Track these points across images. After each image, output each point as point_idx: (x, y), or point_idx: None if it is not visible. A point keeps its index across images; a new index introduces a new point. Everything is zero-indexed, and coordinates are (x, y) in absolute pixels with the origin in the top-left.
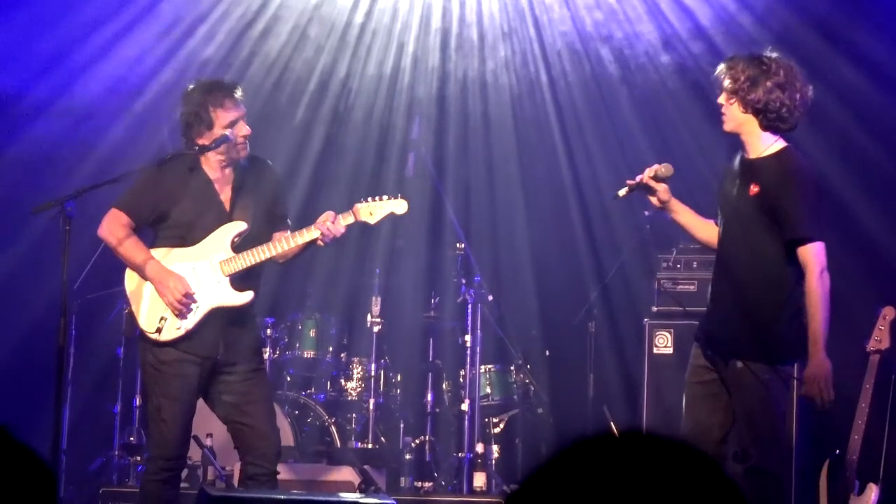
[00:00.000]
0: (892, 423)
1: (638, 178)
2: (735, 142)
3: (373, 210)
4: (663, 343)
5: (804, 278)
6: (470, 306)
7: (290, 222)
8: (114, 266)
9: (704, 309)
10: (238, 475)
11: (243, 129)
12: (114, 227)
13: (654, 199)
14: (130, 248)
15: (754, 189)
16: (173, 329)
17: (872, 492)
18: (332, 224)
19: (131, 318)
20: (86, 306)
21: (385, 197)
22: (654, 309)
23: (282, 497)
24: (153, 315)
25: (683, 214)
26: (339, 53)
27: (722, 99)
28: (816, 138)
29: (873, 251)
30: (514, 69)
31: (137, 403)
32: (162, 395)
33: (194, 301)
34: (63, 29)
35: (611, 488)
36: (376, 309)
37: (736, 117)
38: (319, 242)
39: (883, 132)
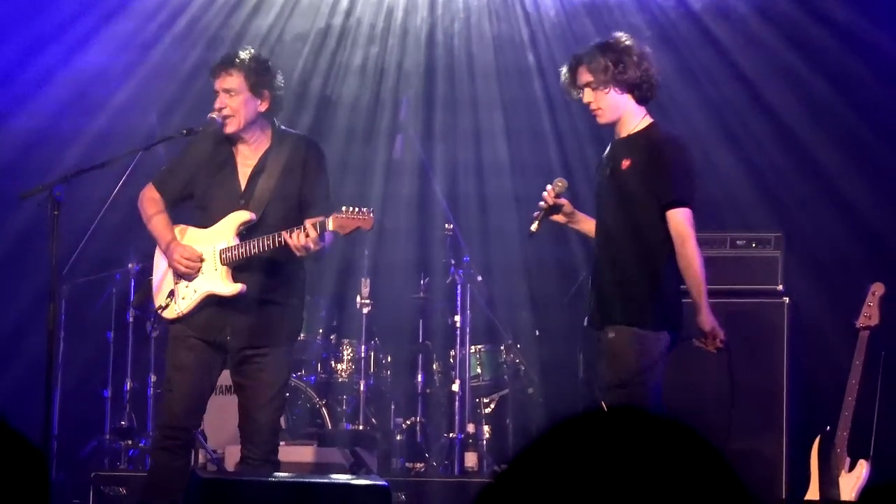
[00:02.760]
0: (881, 399)
1: (542, 205)
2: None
3: (342, 224)
4: None
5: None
6: (459, 287)
7: (323, 208)
8: (103, 251)
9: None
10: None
11: (217, 102)
12: (145, 203)
13: (560, 217)
14: (157, 226)
15: (626, 163)
16: (173, 310)
17: (863, 468)
18: (300, 238)
19: (148, 289)
20: (75, 291)
21: (355, 210)
22: None
23: (272, 479)
24: (163, 292)
25: (585, 223)
26: (325, 37)
27: (588, 96)
28: (801, 108)
29: (863, 227)
30: (501, 47)
31: (128, 387)
32: (171, 366)
33: (197, 273)
34: (52, 10)
35: (601, 466)
36: (365, 290)
37: (614, 103)
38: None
39: (870, 107)
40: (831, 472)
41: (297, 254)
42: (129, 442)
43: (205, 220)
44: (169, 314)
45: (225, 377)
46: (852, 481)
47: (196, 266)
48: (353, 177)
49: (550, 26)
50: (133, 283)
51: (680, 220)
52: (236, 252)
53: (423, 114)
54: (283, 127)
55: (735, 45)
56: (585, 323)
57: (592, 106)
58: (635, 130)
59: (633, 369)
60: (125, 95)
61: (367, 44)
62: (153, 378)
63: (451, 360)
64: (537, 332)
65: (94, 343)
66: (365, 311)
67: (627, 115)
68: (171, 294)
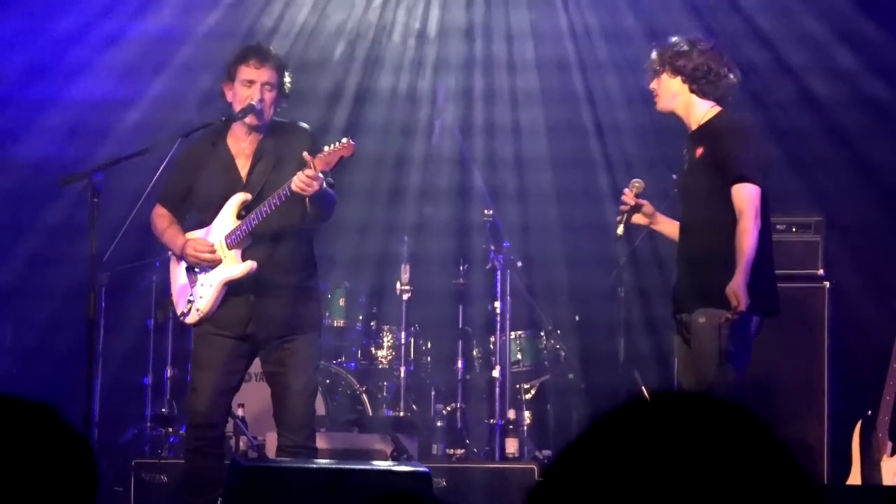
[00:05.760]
0: None
1: (624, 207)
2: None
3: (327, 160)
4: None
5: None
6: (499, 273)
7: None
8: (143, 238)
9: None
10: (272, 445)
11: (256, 93)
12: (156, 221)
13: (641, 219)
14: (168, 236)
15: (699, 152)
16: (195, 314)
17: None
18: (301, 179)
19: (168, 304)
20: (115, 279)
21: (334, 144)
22: None
23: (313, 466)
24: (182, 298)
25: (667, 224)
26: (363, 22)
27: (652, 84)
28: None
29: None
30: (540, 32)
31: (168, 375)
32: (195, 366)
33: (213, 265)
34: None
35: (654, 453)
36: (405, 276)
37: (667, 87)
38: (307, 201)
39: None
40: (873, 456)
41: (306, 194)
42: (170, 429)
43: (209, 219)
44: (191, 319)
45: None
46: (894, 466)
47: (208, 250)
48: (391, 166)
49: (590, 19)
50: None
51: (742, 195)
52: (239, 231)
53: (461, 106)
54: (274, 117)
55: (781, 39)
56: (673, 311)
57: (652, 89)
58: (704, 121)
59: (723, 353)
60: (166, 81)
61: (404, 39)
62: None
63: (492, 346)
64: (577, 318)
65: (134, 331)
66: (405, 297)
67: (691, 107)
68: (190, 298)
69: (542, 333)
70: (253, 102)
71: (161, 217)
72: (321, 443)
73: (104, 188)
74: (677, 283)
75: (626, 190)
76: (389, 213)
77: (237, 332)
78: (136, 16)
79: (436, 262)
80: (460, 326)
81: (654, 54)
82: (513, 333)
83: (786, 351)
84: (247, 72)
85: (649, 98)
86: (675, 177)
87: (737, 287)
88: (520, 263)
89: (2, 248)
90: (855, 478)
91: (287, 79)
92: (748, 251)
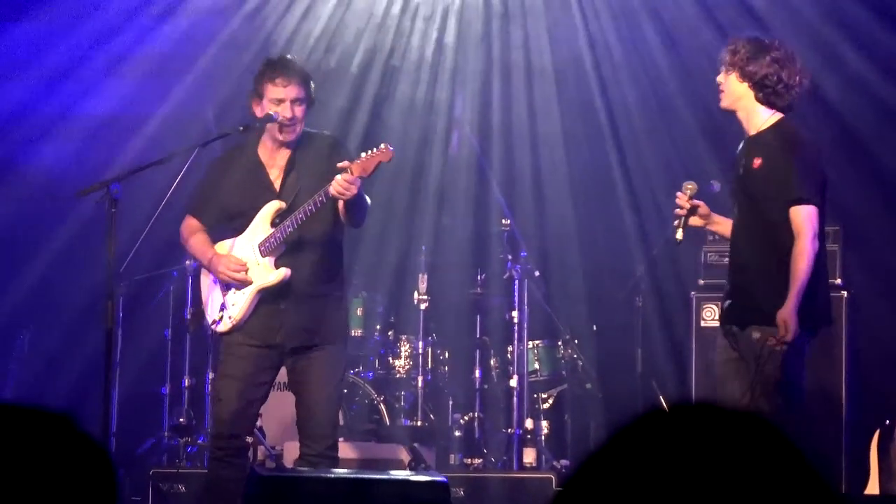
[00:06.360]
0: None
1: (681, 211)
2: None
3: (365, 165)
4: (710, 316)
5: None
6: (516, 282)
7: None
8: (160, 248)
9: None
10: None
11: (286, 111)
12: (184, 232)
13: (697, 220)
14: (195, 245)
15: (757, 162)
16: (226, 322)
17: None
18: (339, 183)
19: (200, 312)
20: (133, 288)
21: (373, 150)
22: (701, 282)
23: (331, 476)
24: (214, 307)
25: (722, 223)
26: (381, 33)
27: (720, 77)
28: (857, 102)
29: None
30: (557, 42)
31: (186, 385)
32: (221, 375)
33: (247, 278)
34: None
35: (676, 466)
36: (423, 286)
37: (733, 90)
38: (340, 207)
39: None
40: (891, 466)
41: (343, 198)
42: (188, 439)
43: (241, 228)
44: (223, 327)
45: (283, 374)
46: None
47: (243, 270)
48: (409, 176)
49: (608, 26)
50: (190, 281)
51: (800, 217)
52: (273, 239)
53: (479, 112)
54: (306, 128)
55: (797, 42)
56: (720, 321)
57: (719, 82)
58: (763, 127)
59: (786, 370)
60: (183, 90)
61: (422, 45)
62: (211, 375)
63: (509, 355)
64: (594, 328)
65: (152, 340)
66: (422, 307)
67: (752, 112)
68: (223, 307)
69: (560, 343)
70: (270, 113)
71: (189, 228)
72: (338, 452)
73: (121, 198)
74: (729, 294)
75: (680, 193)
76: (407, 223)
77: (266, 340)
78: (150, 28)
79: (453, 271)
80: (478, 336)
81: (727, 51)
82: (530, 343)
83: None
84: (275, 91)
85: (666, 106)
86: (711, 185)
87: (788, 315)
88: (537, 273)
89: (20, 258)
90: (873, 488)
91: (313, 87)
92: (802, 275)
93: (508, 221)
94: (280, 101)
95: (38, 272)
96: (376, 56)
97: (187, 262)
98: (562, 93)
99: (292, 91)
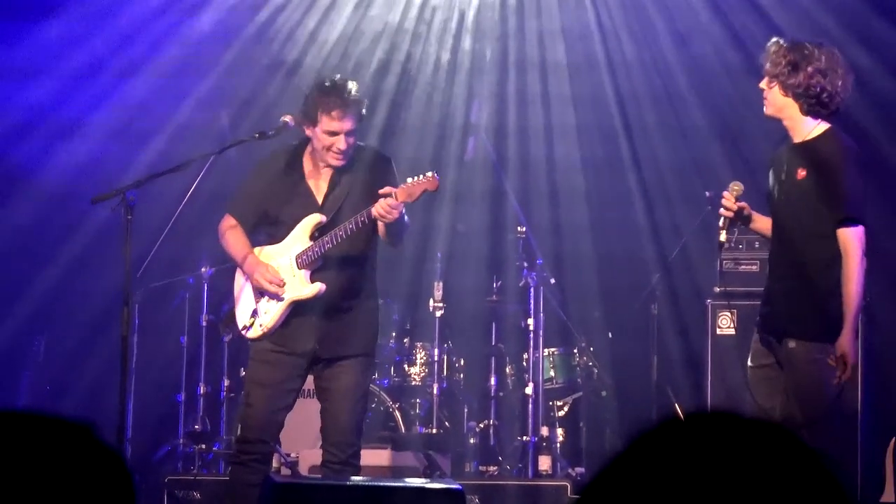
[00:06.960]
0: None
1: (726, 212)
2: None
3: (410, 192)
4: (726, 324)
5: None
6: (532, 289)
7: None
8: (176, 255)
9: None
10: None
11: (341, 143)
12: (221, 228)
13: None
14: (231, 243)
15: (801, 173)
16: (258, 327)
17: None
18: (382, 206)
19: (232, 313)
20: (148, 295)
21: (419, 176)
22: (717, 289)
23: (346, 483)
24: (245, 312)
25: (761, 221)
26: (398, 36)
27: (763, 84)
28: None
29: None
30: (571, 47)
31: (202, 392)
32: (250, 380)
33: (281, 292)
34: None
35: (694, 474)
36: (438, 294)
37: (776, 101)
38: (381, 227)
39: None
40: None
41: (385, 221)
42: (203, 446)
43: (279, 236)
44: (253, 333)
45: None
46: None
47: (277, 283)
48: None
49: (620, 21)
50: (206, 287)
51: (849, 238)
52: (311, 252)
53: (495, 110)
54: None
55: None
56: (757, 328)
57: (763, 94)
58: (810, 137)
59: (826, 390)
60: (198, 96)
61: (439, 43)
62: (227, 382)
63: (525, 362)
64: (610, 335)
65: (168, 347)
66: (438, 314)
67: (794, 122)
68: (254, 313)
69: (576, 350)
70: (286, 120)
71: (230, 227)
72: None
73: (137, 205)
74: (768, 303)
75: (726, 194)
76: (422, 230)
77: (298, 349)
78: (165, 33)
79: (469, 279)
80: (493, 343)
81: (768, 60)
82: (546, 350)
83: None
84: (330, 124)
85: (678, 104)
86: (737, 189)
87: (846, 345)
88: (553, 280)
89: (36, 264)
90: (889, 496)
91: (364, 112)
92: (856, 298)
93: (524, 229)
94: (334, 134)
95: (55, 278)
96: (392, 61)
97: (203, 269)
98: (576, 95)
99: (347, 124)
